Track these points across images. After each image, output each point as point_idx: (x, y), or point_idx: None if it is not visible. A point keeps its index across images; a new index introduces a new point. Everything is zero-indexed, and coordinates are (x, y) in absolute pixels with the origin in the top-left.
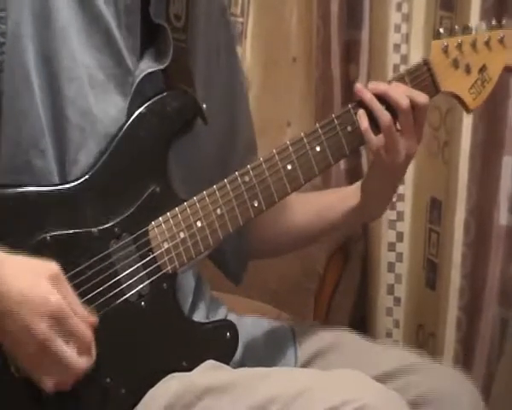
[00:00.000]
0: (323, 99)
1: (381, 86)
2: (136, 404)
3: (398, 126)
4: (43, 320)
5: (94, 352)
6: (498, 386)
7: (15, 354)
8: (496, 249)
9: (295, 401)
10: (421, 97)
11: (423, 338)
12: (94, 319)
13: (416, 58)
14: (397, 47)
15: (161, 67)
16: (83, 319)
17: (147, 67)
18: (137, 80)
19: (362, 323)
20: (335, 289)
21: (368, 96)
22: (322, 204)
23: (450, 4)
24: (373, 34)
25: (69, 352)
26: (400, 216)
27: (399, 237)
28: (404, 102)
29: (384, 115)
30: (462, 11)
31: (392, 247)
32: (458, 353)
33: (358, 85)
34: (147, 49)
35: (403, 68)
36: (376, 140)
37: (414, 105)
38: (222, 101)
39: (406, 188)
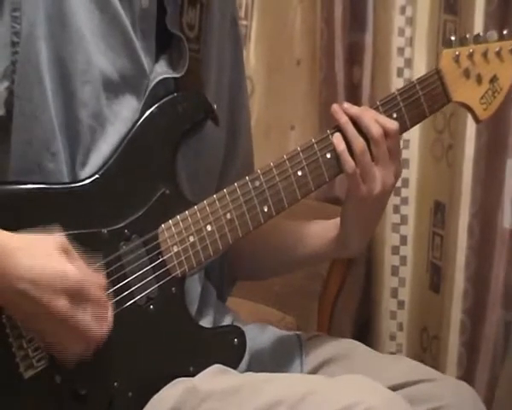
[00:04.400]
0: (327, 102)
1: (354, 110)
2: (142, 408)
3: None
4: (61, 297)
5: (111, 316)
6: (502, 389)
7: (35, 332)
8: (500, 252)
9: (300, 404)
10: (391, 124)
11: (427, 341)
12: (104, 279)
13: (419, 62)
14: (400, 50)
15: (177, 75)
16: (96, 284)
17: (162, 71)
18: (152, 84)
19: (365, 326)
20: (339, 292)
21: (343, 120)
22: (302, 232)
23: (454, 8)
24: (377, 37)
25: (89, 322)
26: (404, 219)
27: (403, 240)
28: (375, 130)
29: (358, 141)
30: (467, 15)
31: (395, 250)
32: (462, 356)
33: (335, 106)
34: (162, 54)
35: (406, 72)
36: (353, 162)
37: (385, 133)
38: (226, 114)
39: (410, 191)
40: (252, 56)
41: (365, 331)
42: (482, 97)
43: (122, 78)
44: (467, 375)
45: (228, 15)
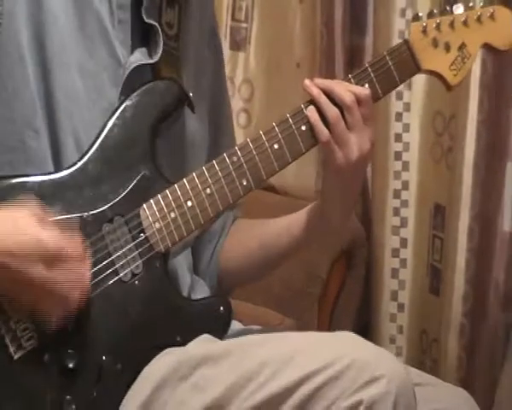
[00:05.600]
0: None
1: (326, 82)
2: (132, 379)
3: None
4: (38, 263)
5: (89, 272)
6: (502, 391)
7: (18, 304)
8: (499, 255)
9: (287, 365)
10: (363, 90)
11: (427, 344)
12: (79, 237)
13: None
14: None
15: (151, 61)
16: (71, 243)
17: (137, 60)
18: (127, 72)
19: (365, 329)
20: (339, 294)
21: (315, 92)
22: (281, 224)
23: None
24: (377, 40)
25: (68, 282)
26: (404, 222)
27: (403, 243)
28: (347, 97)
29: (332, 110)
30: None
31: (395, 253)
32: (462, 358)
33: (307, 82)
34: (138, 47)
35: None
36: (327, 132)
37: (358, 100)
38: (207, 118)
39: (410, 194)
40: (252, 59)
41: (365, 334)
42: (452, 64)
43: (97, 65)
44: (466, 378)
45: (206, 23)
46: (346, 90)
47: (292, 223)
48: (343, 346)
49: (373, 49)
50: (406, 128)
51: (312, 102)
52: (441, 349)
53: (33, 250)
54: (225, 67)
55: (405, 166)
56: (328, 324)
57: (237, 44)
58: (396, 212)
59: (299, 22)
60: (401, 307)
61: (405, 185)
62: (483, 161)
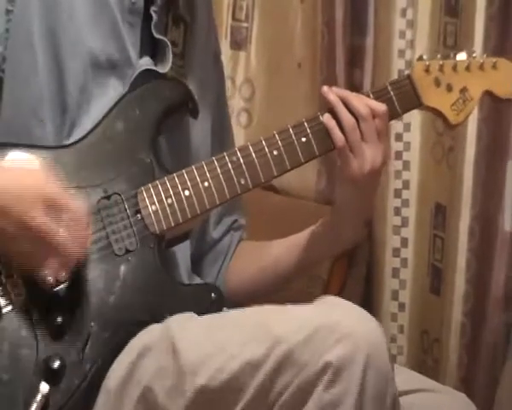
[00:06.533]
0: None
1: (344, 92)
2: (119, 350)
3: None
4: (39, 209)
5: (89, 237)
6: (502, 391)
7: (12, 254)
8: (500, 255)
9: (261, 331)
10: (380, 106)
11: (428, 344)
12: (82, 203)
13: None
14: (401, 53)
15: (161, 70)
16: (75, 203)
17: (147, 64)
18: (136, 73)
19: None
20: (340, 294)
21: (334, 99)
22: (290, 241)
23: (454, 10)
24: (377, 40)
25: (66, 236)
26: (405, 222)
27: (404, 242)
28: (363, 109)
29: (348, 118)
30: (467, 17)
31: (396, 252)
32: (462, 358)
33: (325, 88)
34: (146, 55)
35: None
36: (343, 137)
37: (374, 114)
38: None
39: (411, 193)
40: (252, 59)
41: None
42: (453, 104)
43: (109, 62)
44: (467, 377)
45: (210, 47)
46: (361, 102)
47: (300, 240)
48: (315, 310)
49: (374, 49)
50: (407, 127)
51: (329, 110)
52: (442, 349)
53: (36, 194)
54: (226, 66)
55: (406, 165)
56: None
57: (238, 44)
58: (397, 211)
59: (299, 22)
60: (402, 306)
61: (406, 185)
62: (484, 161)
